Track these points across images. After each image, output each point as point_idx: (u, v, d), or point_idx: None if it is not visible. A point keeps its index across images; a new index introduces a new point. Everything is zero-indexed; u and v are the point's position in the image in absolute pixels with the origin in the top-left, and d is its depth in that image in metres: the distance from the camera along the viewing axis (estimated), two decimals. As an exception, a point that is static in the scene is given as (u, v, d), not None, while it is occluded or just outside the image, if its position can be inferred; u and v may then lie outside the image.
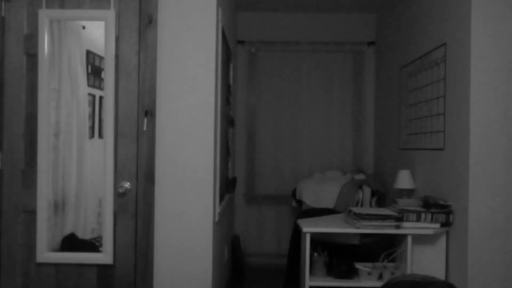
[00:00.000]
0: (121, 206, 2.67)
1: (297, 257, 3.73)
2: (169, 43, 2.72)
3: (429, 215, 3.00)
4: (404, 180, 3.67)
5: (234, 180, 4.53)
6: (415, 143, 3.77)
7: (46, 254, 2.65)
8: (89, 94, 2.78)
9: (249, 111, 5.31)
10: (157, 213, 2.71)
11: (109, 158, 2.63)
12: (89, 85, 2.78)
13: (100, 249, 2.68)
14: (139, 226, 2.68)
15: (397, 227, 3.00)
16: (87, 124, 2.77)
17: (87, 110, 2.76)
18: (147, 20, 2.68)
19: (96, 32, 2.68)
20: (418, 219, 3.01)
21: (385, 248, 3.27)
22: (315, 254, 3.17)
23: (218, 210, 3.03)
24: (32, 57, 2.66)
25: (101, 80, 2.68)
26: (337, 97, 5.28)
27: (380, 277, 3.07)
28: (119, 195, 2.66)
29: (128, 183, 2.67)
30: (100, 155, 2.65)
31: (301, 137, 5.28)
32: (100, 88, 2.71)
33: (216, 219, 2.95)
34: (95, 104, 2.78)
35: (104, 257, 2.65)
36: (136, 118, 2.68)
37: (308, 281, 3.02)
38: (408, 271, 2.98)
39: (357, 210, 3.17)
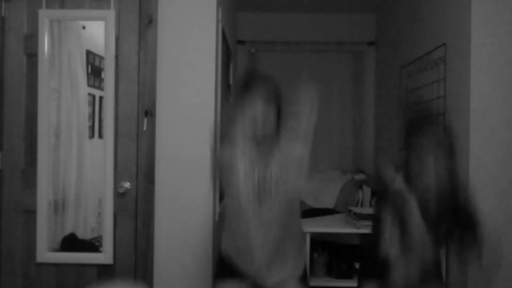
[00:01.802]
0: (121, 206, 2.67)
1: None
2: (169, 43, 2.72)
3: (429, 215, 2.99)
4: (404, 180, 3.66)
5: (234, 180, 4.52)
6: (415, 143, 3.76)
7: (46, 254, 2.65)
8: (89, 94, 2.78)
9: (249, 111, 5.30)
10: (157, 213, 2.71)
11: (109, 158, 2.63)
12: (89, 85, 2.79)
13: (100, 249, 2.68)
14: (139, 226, 2.68)
15: (397, 227, 3.00)
16: (87, 124, 2.77)
17: (87, 110, 2.77)
18: (147, 20, 2.68)
19: (96, 32, 2.69)
20: (418, 219, 3.00)
21: (385, 248, 3.26)
22: (315, 254, 3.17)
23: (218, 210, 3.03)
24: (32, 57, 2.66)
25: (101, 80, 2.68)
26: (337, 97, 5.27)
27: (380, 277, 3.07)
28: (119, 195, 2.66)
29: (128, 183, 2.67)
30: (100, 155, 2.65)
31: (301, 137, 5.26)
32: (100, 88, 2.71)
33: (216, 219, 2.95)
34: (95, 104, 2.78)
35: (104, 257, 2.65)
36: (136, 118, 2.68)
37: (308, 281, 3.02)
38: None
39: (357, 210, 3.17)
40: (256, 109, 1.92)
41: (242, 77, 2.06)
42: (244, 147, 1.95)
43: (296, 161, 1.97)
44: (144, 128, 2.68)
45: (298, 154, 1.97)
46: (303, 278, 2.10)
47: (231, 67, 4.26)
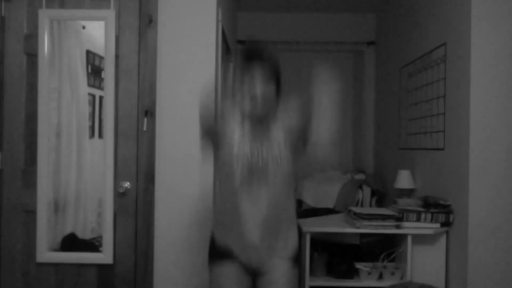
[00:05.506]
0: (121, 206, 2.67)
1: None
2: (169, 43, 2.72)
3: (429, 215, 3.00)
4: (404, 180, 3.67)
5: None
6: (415, 143, 3.77)
7: (46, 254, 2.65)
8: (89, 94, 2.78)
9: (249, 111, 5.30)
10: (157, 213, 2.70)
11: (109, 158, 2.63)
12: (89, 85, 2.78)
13: (100, 249, 2.68)
14: (139, 226, 2.68)
15: (397, 227, 3.00)
16: (87, 124, 2.77)
17: (87, 110, 2.77)
18: (147, 20, 2.68)
19: (96, 32, 2.68)
20: (418, 219, 3.01)
21: (385, 248, 3.27)
22: (315, 254, 3.17)
23: (218, 210, 3.03)
24: (32, 57, 2.66)
25: (101, 80, 2.68)
26: (337, 97, 5.28)
27: (380, 277, 3.07)
28: (119, 195, 2.66)
29: (128, 183, 2.67)
30: (100, 155, 2.65)
31: (301, 137, 5.27)
32: (100, 88, 2.71)
33: (216, 219, 2.95)
34: (95, 104, 2.78)
35: (104, 257, 2.65)
36: (136, 118, 2.68)
37: (308, 281, 3.02)
38: (408, 271, 2.98)
39: (357, 210, 3.17)
40: (256, 89, 1.89)
41: (243, 52, 2.00)
42: (242, 124, 1.95)
43: (296, 133, 1.96)
44: (144, 128, 2.68)
45: (297, 125, 1.96)
46: (295, 260, 2.03)
47: (231, 67, 4.26)
